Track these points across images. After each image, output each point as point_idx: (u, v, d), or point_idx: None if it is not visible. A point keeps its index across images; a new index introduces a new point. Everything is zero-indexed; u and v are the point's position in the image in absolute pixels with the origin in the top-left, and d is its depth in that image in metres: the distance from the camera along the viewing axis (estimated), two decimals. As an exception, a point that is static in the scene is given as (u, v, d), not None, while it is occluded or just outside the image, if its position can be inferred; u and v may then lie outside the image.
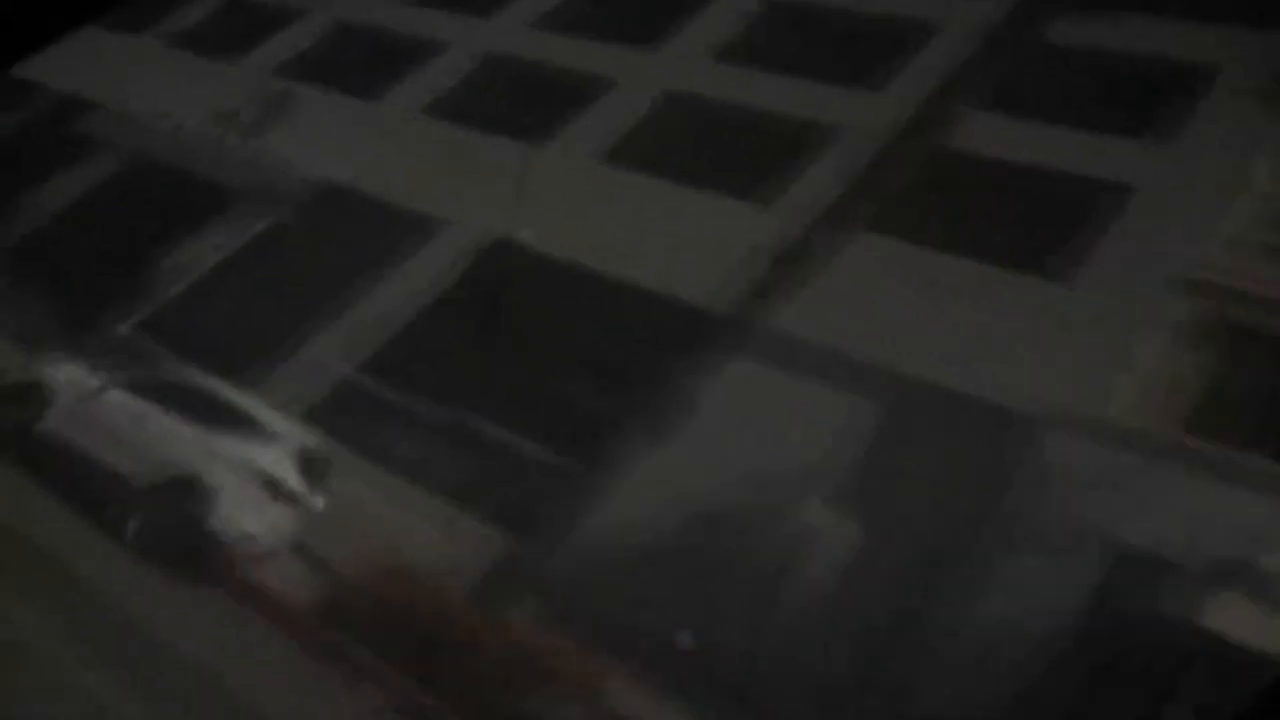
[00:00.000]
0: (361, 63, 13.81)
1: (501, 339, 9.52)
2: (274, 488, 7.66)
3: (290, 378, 9.31)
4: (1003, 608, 6.32)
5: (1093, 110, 9.91)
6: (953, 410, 7.60)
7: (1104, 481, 6.99)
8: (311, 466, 7.81)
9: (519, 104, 12.50)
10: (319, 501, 7.61)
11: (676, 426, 8.06)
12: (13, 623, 7.27)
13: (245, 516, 7.57)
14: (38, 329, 9.78)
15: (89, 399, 8.52)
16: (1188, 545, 6.41)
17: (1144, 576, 6.39)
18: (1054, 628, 6.18)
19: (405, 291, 10.15)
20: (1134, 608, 6.28)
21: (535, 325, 9.38)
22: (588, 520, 7.66)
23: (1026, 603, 6.42)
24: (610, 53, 12.61)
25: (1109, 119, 9.77)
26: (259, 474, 7.77)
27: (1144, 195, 8.85)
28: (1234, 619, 6.13)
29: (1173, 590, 6.27)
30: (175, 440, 8.20)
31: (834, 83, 11.23)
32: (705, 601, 6.86)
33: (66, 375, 8.80)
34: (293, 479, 7.66)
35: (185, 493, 7.80)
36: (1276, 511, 6.31)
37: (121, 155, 12.83)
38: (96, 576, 7.66)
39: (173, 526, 7.67)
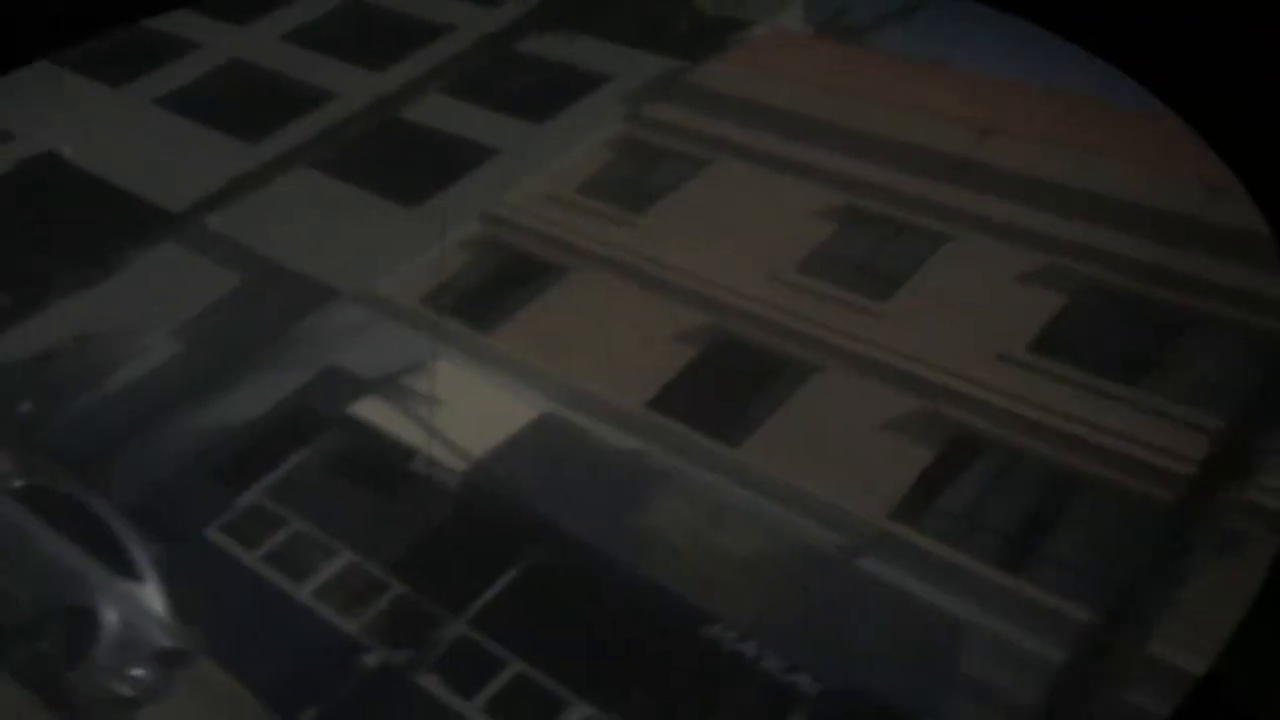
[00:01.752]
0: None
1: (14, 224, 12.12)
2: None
3: None
4: (231, 402, 9.14)
5: (511, 98, 12.93)
6: (286, 281, 10.46)
7: (352, 330, 9.90)
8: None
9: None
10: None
11: (99, 283, 10.75)
12: None
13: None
14: None
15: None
16: (369, 366, 9.33)
17: (337, 387, 9.27)
18: (257, 413, 9.02)
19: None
20: (323, 406, 9.15)
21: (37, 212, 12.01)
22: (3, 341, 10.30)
23: (261, 400, 9.26)
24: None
25: (518, 105, 12.79)
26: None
27: (502, 156, 11.88)
28: (377, 411, 9.03)
29: (348, 394, 9.15)
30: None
31: (354, 63, 14.11)
32: (50, 389, 9.56)
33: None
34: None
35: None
36: (414, 342, 9.29)
37: None
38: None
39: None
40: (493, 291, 10.68)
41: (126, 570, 8.21)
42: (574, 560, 7.68)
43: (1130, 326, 8.96)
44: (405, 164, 12.61)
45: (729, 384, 9.12)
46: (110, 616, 7.89)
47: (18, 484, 8.89)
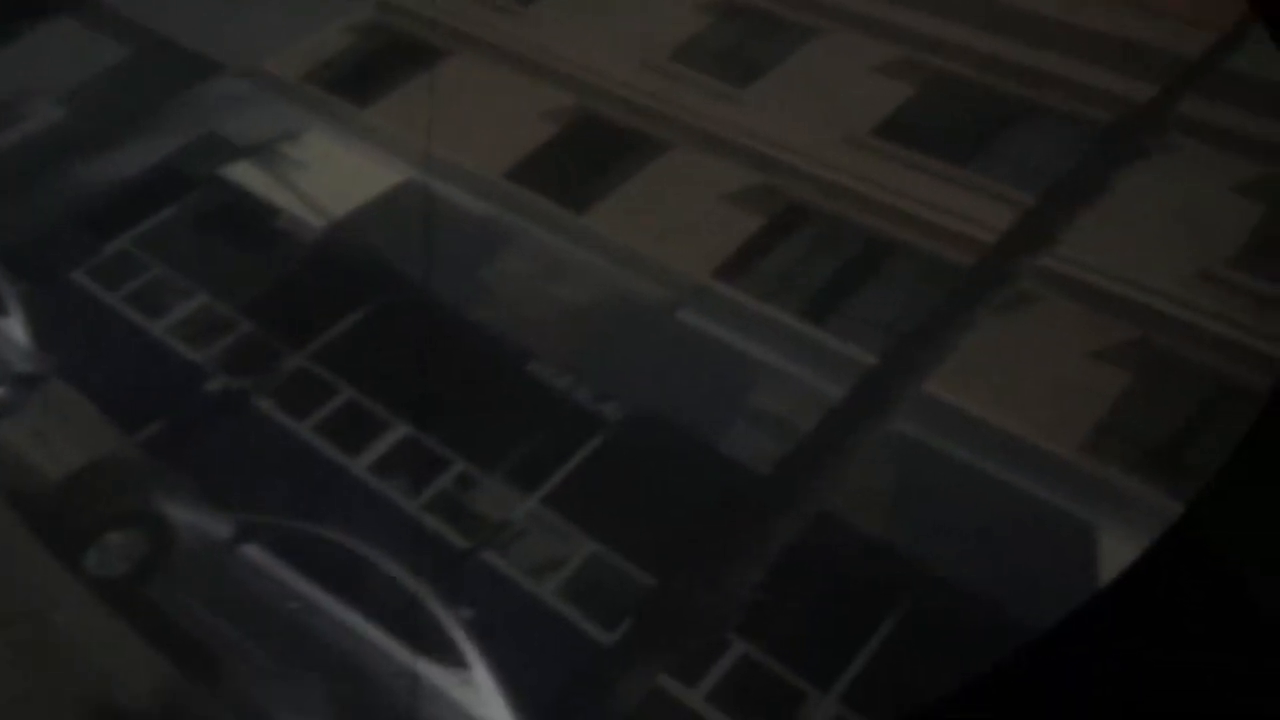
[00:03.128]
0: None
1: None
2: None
3: None
4: (108, 162, 9.45)
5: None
6: (175, 55, 10.67)
7: (233, 101, 10.16)
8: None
9: None
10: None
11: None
12: None
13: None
14: None
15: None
16: (246, 134, 9.63)
17: (213, 151, 9.57)
18: (132, 172, 9.33)
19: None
20: (197, 167, 9.47)
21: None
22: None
23: (138, 161, 9.57)
24: None
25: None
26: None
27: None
28: (247, 174, 9.37)
29: (222, 157, 9.48)
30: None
31: None
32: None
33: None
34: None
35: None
36: (292, 114, 9.60)
37: None
38: None
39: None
40: (374, 71, 10.90)
41: (-7, 305, 8.70)
42: (414, 304, 8.13)
43: (969, 114, 9.30)
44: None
45: (584, 159, 9.46)
46: (-28, 344, 8.40)
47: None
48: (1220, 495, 6.78)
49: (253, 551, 7.02)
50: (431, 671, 6.30)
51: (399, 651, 6.44)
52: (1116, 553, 6.53)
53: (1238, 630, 6.49)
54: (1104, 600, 6.60)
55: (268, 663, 6.79)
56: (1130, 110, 8.61)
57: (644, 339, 7.88)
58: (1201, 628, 6.49)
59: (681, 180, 9.01)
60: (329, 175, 9.47)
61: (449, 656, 6.35)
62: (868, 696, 6.05)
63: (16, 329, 8.68)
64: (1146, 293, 7.65)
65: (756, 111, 9.45)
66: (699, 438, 7.10)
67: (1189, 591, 6.72)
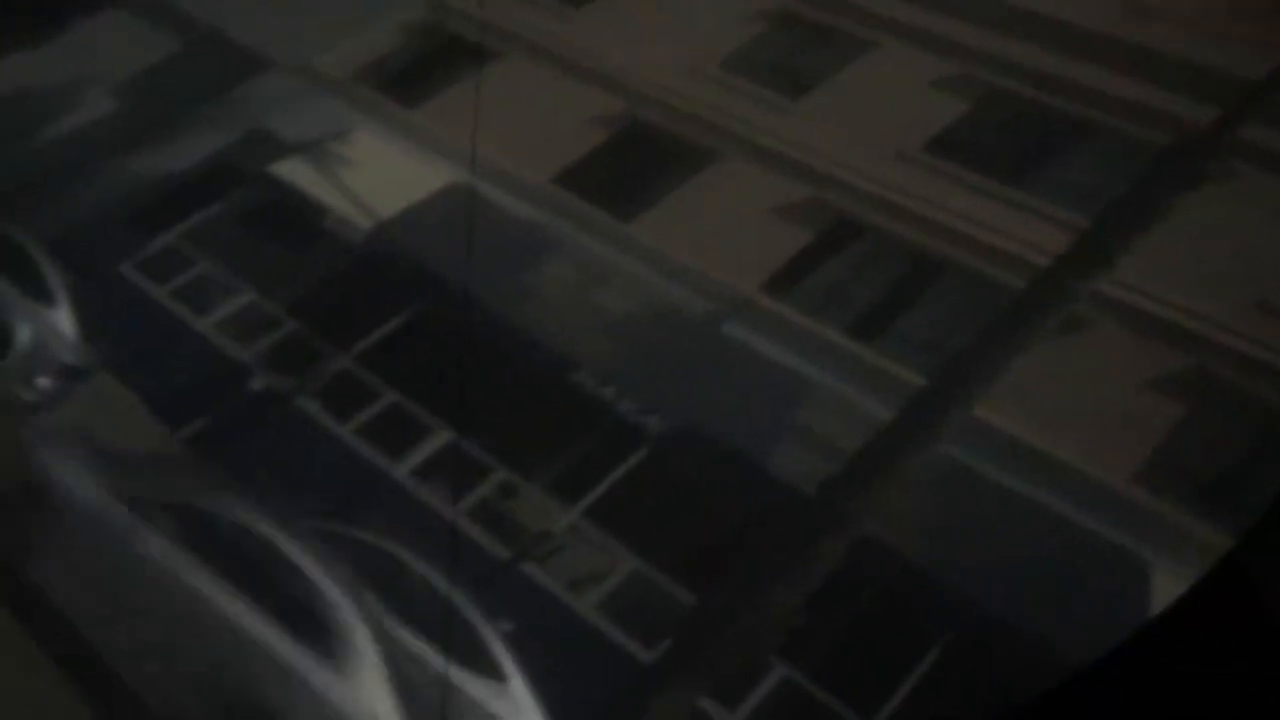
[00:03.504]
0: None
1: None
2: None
3: None
4: (157, 155, 9.46)
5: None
6: (225, 49, 10.69)
7: (283, 98, 10.17)
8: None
9: None
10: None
11: (44, 43, 10.99)
12: None
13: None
14: None
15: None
16: (295, 131, 9.64)
17: (262, 148, 9.58)
18: (180, 166, 9.35)
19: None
20: (245, 164, 9.48)
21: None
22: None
23: (187, 155, 9.59)
24: None
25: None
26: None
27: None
28: (295, 171, 9.37)
29: (270, 154, 9.48)
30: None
31: None
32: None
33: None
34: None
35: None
36: (341, 113, 9.60)
37: None
38: None
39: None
40: (423, 71, 10.91)
41: (41, 294, 8.72)
42: (458, 310, 8.10)
43: (1024, 133, 9.17)
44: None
45: (632, 166, 9.41)
46: (23, 332, 8.42)
47: (-56, 214, 9.38)
48: (1269, 530, 6.68)
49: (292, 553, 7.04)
50: (468, 682, 6.28)
51: (435, 660, 6.43)
52: (1164, 586, 6.42)
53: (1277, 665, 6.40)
54: (1148, 634, 6.50)
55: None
56: (1190, 134, 8.49)
57: (688, 352, 7.82)
58: (1243, 663, 6.40)
59: (730, 191, 8.94)
60: (376, 175, 9.46)
61: (486, 668, 6.33)
62: (910, 725, 5.98)
63: (64, 320, 8.73)
64: (1203, 322, 7.52)
65: (807, 123, 9.37)
66: (743, 454, 7.03)
67: (1232, 626, 6.62)
